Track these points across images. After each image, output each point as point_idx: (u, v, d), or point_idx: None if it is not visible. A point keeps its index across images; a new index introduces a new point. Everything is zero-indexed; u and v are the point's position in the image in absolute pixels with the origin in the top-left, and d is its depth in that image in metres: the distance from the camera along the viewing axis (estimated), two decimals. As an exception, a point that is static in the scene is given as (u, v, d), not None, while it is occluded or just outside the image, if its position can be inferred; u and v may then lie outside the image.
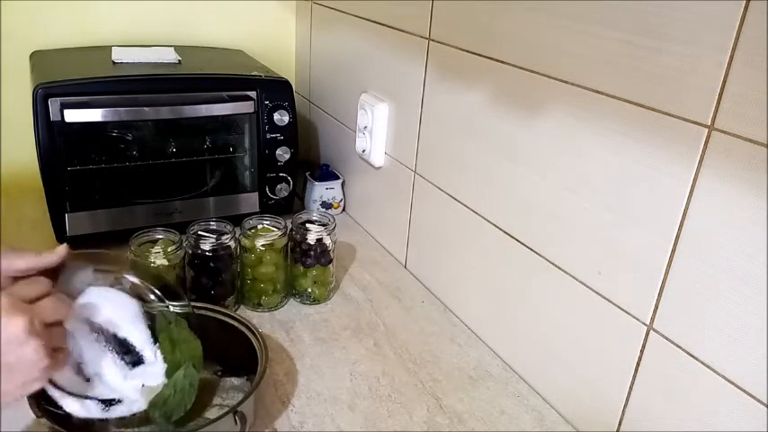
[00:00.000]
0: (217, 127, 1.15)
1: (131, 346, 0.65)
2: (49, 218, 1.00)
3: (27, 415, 0.60)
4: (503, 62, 0.78)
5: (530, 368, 0.81)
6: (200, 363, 0.69)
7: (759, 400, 0.53)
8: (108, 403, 0.63)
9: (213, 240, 0.87)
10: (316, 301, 0.95)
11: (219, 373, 0.77)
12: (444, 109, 0.91)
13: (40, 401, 0.60)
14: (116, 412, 0.64)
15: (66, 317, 0.58)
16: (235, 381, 0.77)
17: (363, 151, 1.12)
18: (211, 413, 0.71)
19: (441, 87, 0.91)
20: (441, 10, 0.89)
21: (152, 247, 0.86)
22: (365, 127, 1.10)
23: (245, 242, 0.89)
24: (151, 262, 0.83)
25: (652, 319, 0.62)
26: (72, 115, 0.94)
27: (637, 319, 0.64)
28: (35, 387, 0.55)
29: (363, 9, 1.10)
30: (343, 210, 1.29)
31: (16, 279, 0.59)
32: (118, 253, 0.82)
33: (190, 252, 0.87)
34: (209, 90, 1.07)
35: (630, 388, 0.65)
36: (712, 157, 0.54)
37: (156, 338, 0.66)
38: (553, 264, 0.74)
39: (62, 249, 0.62)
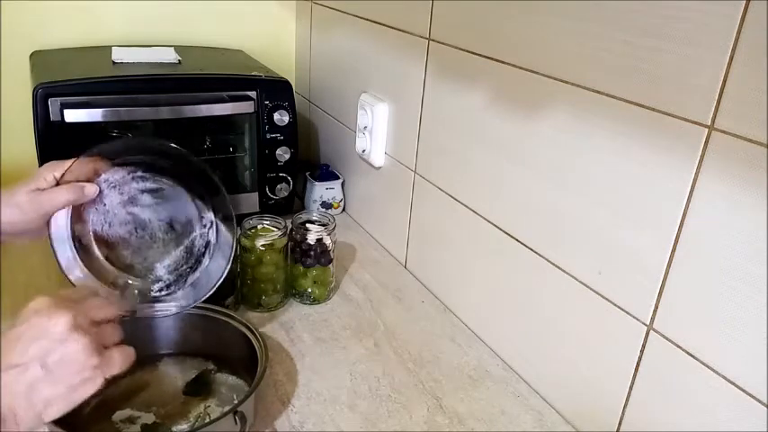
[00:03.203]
0: (217, 127, 1.15)
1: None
2: (49, 218, 1.00)
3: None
4: (503, 62, 0.78)
5: (530, 368, 0.81)
6: None
7: (759, 400, 0.53)
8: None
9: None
10: (316, 301, 0.95)
11: (214, 372, 0.78)
12: (444, 109, 0.91)
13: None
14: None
15: (114, 315, 0.57)
16: (234, 380, 0.77)
17: (363, 151, 1.12)
18: (211, 413, 0.71)
19: (441, 87, 0.91)
20: (441, 10, 0.89)
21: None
22: (365, 127, 1.10)
23: (245, 242, 0.89)
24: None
25: (652, 319, 0.62)
26: (72, 115, 0.94)
27: (637, 319, 0.64)
28: (87, 390, 0.51)
29: (363, 9, 1.10)
30: (343, 210, 1.29)
31: None
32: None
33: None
34: (209, 90, 1.07)
35: (630, 388, 0.65)
36: (712, 157, 0.54)
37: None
38: (553, 264, 0.74)
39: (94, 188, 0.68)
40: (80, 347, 0.51)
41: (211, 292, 0.72)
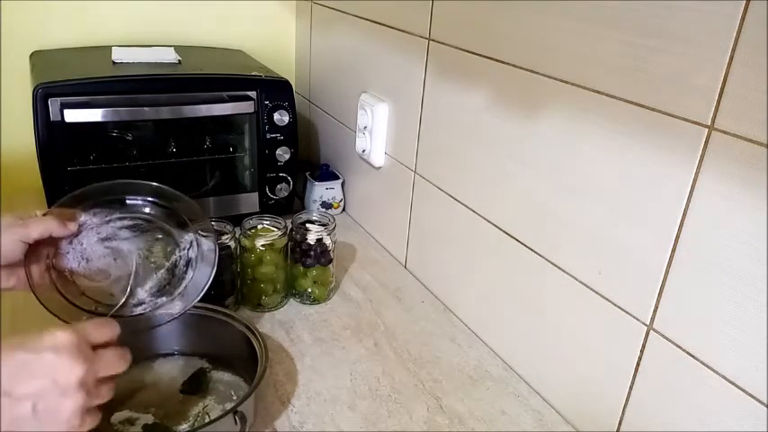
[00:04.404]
0: (217, 127, 1.15)
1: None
2: (49, 218, 1.00)
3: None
4: (503, 62, 0.78)
5: (530, 368, 0.81)
6: None
7: (759, 400, 0.53)
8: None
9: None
10: (316, 301, 0.95)
11: (210, 370, 0.78)
12: (444, 109, 0.91)
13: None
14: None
15: (120, 371, 0.56)
16: (229, 377, 0.77)
17: (363, 151, 1.12)
18: (212, 413, 0.71)
19: (441, 87, 0.91)
20: (441, 10, 0.89)
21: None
22: (365, 127, 1.10)
23: (245, 242, 0.89)
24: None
25: (652, 319, 0.62)
26: (72, 115, 0.94)
27: (637, 319, 0.64)
28: None
29: (363, 9, 1.10)
30: (343, 210, 1.29)
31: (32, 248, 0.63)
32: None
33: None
34: (209, 90, 1.07)
35: (630, 388, 0.65)
36: (712, 157, 0.54)
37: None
38: (553, 264, 0.74)
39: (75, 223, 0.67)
40: (73, 408, 0.50)
41: (199, 298, 0.71)
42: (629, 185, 0.62)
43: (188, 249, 0.73)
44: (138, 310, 0.71)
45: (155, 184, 0.72)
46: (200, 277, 0.72)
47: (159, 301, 0.71)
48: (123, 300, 0.71)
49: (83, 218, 0.70)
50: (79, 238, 0.69)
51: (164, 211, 0.73)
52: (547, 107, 0.72)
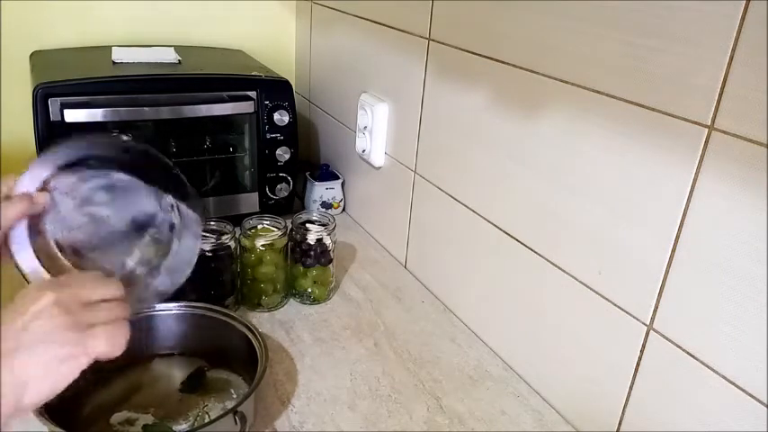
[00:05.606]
0: (217, 127, 1.15)
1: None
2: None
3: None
4: (503, 62, 0.78)
5: (530, 368, 0.81)
6: None
7: (759, 400, 0.53)
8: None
9: (213, 240, 0.87)
10: (316, 301, 0.95)
11: (208, 368, 0.78)
12: (444, 109, 0.91)
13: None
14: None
15: (113, 295, 0.56)
16: (228, 375, 0.77)
17: (363, 151, 1.12)
18: (211, 413, 0.71)
19: (441, 87, 0.91)
20: (441, 10, 0.89)
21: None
22: (365, 127, 1.10)
23: (245, 242, 0.89)
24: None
25: (652, 319, 0.62)
26: (72, 115, 0.94)
27: (637, 319, 0.64)
28: (70, 370, 0.49)
29: (363, 9, 1.11)
30: (343, 210, 1.29)
31: None
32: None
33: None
34: (209, 90, 1.07)
35: (630, 388, 0.65)
36: (712, 157, 0.54)
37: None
38: (553, 264, 0.74)
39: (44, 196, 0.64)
40: (56, 323, 0.49)
41: (188, 274, 0.70)
42: (629, 185, 0.62)
43: (170, 213, 0.72)
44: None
45: (126, 138, 0.70)
46: (185, 251, 0.71)
47: (147, 274, 0.70)
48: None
49: (52, 183, 0.67)
50: (55, 204, 0.67)
51: (139, 169, 0.71)
52: (547, 107, 0.72)
